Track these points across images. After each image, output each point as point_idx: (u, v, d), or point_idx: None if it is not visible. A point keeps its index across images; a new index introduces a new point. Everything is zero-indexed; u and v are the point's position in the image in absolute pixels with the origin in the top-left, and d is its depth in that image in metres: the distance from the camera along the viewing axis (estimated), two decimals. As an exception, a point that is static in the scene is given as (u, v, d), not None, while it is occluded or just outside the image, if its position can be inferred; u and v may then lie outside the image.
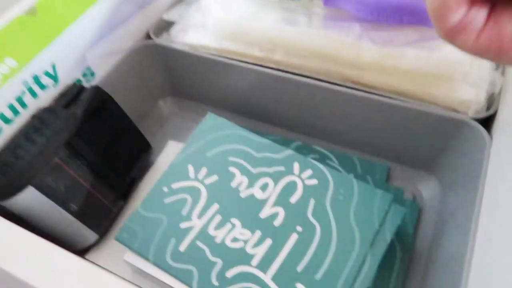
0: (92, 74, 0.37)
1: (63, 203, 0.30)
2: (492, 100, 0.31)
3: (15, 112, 0.31)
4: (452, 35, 0.17)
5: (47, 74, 0.33)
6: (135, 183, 0.38)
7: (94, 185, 0.33)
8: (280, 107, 0.39)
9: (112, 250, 0.35)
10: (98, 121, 0.34)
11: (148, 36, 0.41)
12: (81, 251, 0.34)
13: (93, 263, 0.21)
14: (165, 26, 0.42)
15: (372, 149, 0.38)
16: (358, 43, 0.35)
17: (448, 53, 0.32)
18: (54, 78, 0.33)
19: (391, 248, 0.30)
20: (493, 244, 0.23)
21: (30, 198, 0.29)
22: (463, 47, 0.17)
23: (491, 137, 0.30)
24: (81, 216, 0.32)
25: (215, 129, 0.34)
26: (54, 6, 0.32)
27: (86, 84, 0.37)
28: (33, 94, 0.32)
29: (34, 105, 0.32)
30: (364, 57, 0.34)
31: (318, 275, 0.27)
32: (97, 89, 0.34)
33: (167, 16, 0.41)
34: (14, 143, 0.31)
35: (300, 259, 0.28)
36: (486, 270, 0.23)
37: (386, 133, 0.36)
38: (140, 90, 0.43)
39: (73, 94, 0.33)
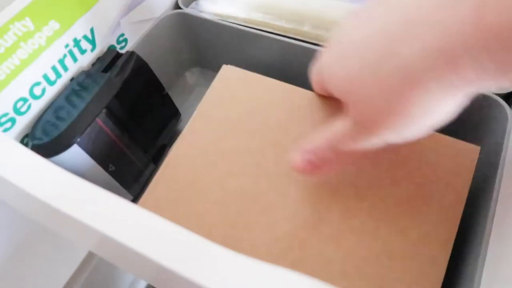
0: (125, 40, 0.38)
1: (103, 163, 0.32)
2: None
3: (58, 74, 0.32)
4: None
5: (86, 38, 0.34)
6: (165, 149, 0.40)
7: (130, 147, 0.35)
8: (307, 79, 0.40)
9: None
10: (133, 85, 0.35)
11: (177, 6, 0.42)
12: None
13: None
14: (194, -5, 0.43)
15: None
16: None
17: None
18: (92, 42, 0.35)
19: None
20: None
21: (74, 156, 0.30)
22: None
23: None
24: (118, 176, 0.34)
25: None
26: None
27: (120, 51, 0.38)
28: (74, 57, 0.33)
29: (74, 68, 0.34)
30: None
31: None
32: (132, 55, 0.36)
33: (197, -14, 0.42)
34: (56, 105, 0.32)
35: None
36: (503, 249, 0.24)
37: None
38: (169, 59, 0.44)
39: (110, 59, 0.35)
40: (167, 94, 0.40)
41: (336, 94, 0.24)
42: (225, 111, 0.32)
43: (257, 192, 0.28)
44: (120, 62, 0.35)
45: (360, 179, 0.28)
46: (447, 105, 0.20)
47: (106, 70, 0.35)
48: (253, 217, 0.28)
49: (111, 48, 0.37)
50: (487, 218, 0.27)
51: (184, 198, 0.29)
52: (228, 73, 0.34)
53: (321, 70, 0.27)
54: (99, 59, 0.36)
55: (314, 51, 0.37)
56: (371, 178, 0.28)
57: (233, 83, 0.34)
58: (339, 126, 0.24)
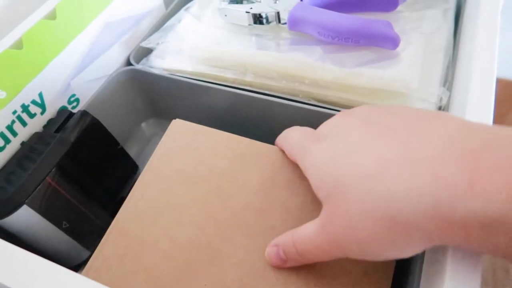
0: (77, 100, 0.40)
1: (56, 221, 0.33)
2: (440, 112, 0.35)
3: (7, 140, 0.33)
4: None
5: (34, 102, 0.35)
6: (123, 201, 0.41)
7: (85, 204, 0.36)
8: (253, 124, 0.42)
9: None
10: (87, 143, 0.36)
11: (128, 63, 0.44)
12: (74, 268, 0.37)
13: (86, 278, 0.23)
14: (144, 52, 0.45)
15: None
16: (321, 64, 0.38)
17: (400, 71, 0.36)
18: (42, 106, 0.36)
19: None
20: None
21: (25, 217, 0.31)
22: None
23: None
24: (73, 233, 0.35)
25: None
26: (40, 39, 0.35)
27: (72, 110, 0.39)
28: (23, 122, 0.34)
29: (24, 132, 0.35)
30: (327, 77, 0.37)
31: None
32: (84, 114, 0.37)
33: (146, 44, 0.44)
34: (6, 170, 0.33)
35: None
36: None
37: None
38: (123, 113, 0.46)
39: (62, 120, 0.36)
40: (122, 149, 0.41)
41: (314, 189, 0.24)
42: (173, 163, 0.34)
43: (204, 241, 0.29)
44: (72, 122, 0.36)
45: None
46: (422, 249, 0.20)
47: (58, 130, 0.36)
48: (201, 267, 0.28)
49: (65, 109, 0.38)
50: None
51: (132, 253, 0.29)
52: (176, 127, 0.36)
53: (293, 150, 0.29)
54: (50, 121, 0.37)
55: (258, 99, 0.39)
56: None
57: (181, 136, 0.35)
58: (309, 232, 0.24)
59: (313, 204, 0.30)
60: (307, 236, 0.24)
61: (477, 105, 0.26)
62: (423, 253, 0.27)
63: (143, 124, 0.49)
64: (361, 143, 0.21)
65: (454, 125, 0.19)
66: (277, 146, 0.33)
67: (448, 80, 0.36)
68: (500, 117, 1.15)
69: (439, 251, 0.21)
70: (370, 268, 0.27)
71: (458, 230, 0.17)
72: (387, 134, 0.20)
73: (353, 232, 0.20)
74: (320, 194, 0.23)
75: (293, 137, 0.30)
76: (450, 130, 0.18)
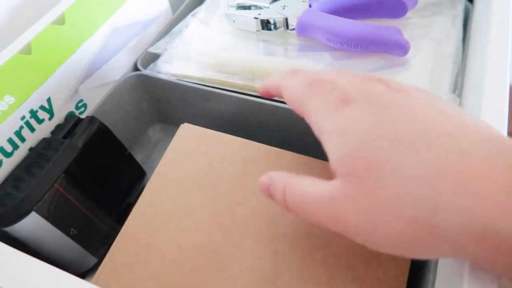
0: (85, 106, 0.40)
1: (63, 228, 0.33)
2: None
3: (15, 146, 0.33)
4: None
5: (42, 108, 0.35)
6: (130, 207, 0.41)
7: (93, 210, 0.36)
8: (260, 130, 0.41)
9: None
10: (95, 149, 0.36)
11: (136, 68, 0.44)
12: (81, 275, 0.37)
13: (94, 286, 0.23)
14: (151, 58, 0.45)
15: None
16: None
17: (409, 78, 0.36)
18: (50, 112, 0.36)
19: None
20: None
21: (33, 224, 0.31)
22: None
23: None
24: (80, 239, 0.34)
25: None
26: (49, 45, 0.35)
27: (79, 116, 0.39)
28: (31, 128, 0.34)
29: (32, 138, 0.35)
30: (336, 83, 0.37)
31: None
32: (92, 119, 0.37)
33: (153, 49, 0.44)
34: (15, 176, 0.33)
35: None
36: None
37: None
38: (131, 118, 0.45)
39: (70, 125, 0.36)
40: (129, 155, 0.41)
41: (332, 160, 0.21)
42: (182, 169, 0.33)
43: (213, 248, 0.29)
44: (80, 128, 0.36)
45: (315, 229, 0.29)
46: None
47: (66, 136, 0.36)
48: (210, 274, 0.28)
49: (73, 115, 0.38)
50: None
51: (141, 261, 0.29)
52: (185, 131, 0.36)
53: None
54: (58, 126, 0.37)
55: (265, 104, 0.39)
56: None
57: (189, 141, 0.35)
58: (306, 192, 0.22)
59: None
60: (301, 194, 0.22)
61: (491, 112, 0.26)
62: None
63: (150, 130, 0.48)
64: (409, 128, 0.18)
65: (503, 144, 0.18)
66: (265, 89, 0.29)
67: (457, 87, 0.36)
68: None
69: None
70: (382, 273, 0.27)
71: (501, 253, 0.16)
72: (440, 135, 0.18)
73: (373, 224, 0.19)
74: (340, 169, 0.20)
75: (297, 83, 0.25)
76: (500, 147, 0.17)
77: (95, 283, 0.28)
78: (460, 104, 0.35)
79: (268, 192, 0.25)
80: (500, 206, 0.16)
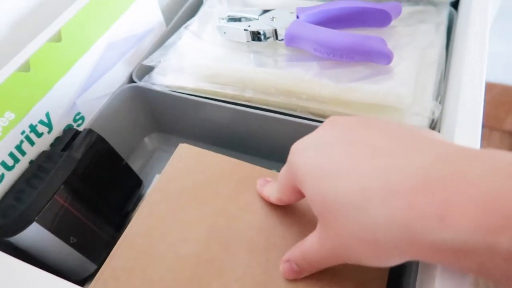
0: (82, 118, 0.41)
1: (64, 237, 0.34)
2: (433, 125, 0.36)
3: (16, 159, 0.35)
4: None
5: (41, 122, 0.36)
6: (128, 216, 0.42)
7: (92, 219, 0.37)
8: (252, 139, 0.43)
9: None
10: (93, 161, 0.38)
11: (131, 80, 0.46)
12: (81, 281, 0.38)
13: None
14: (146, 70, 0.46)
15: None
16: (318, 80, 0.39)
17: (394, 86, 0.37)
18: (49, 125, 0.37)
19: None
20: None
21: (34, 233, 0.32)
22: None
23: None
24: (80, 248, 0.36)
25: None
26: (46, 61, 0.36)
27: (77, 128, 0.40)
28: (31, 142, 0.36)
29: (32, 151, 0.36)
30: (324, 92, 0.39)
31: None
32: (89, 132, 0.38)
33: (148, 62, 0.45)
34: (16, 188, 0.34)
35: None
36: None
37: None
38: (127, 128, 0.47)
39: (68, 138, 0.37)
40: (126, 165, 0.42)
41: (313, 207, 0.25)
42: (181, 185, 0.35)
43: (209, 257, 0.31)
44: (78, 140, 0.38)
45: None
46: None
47: (65, 149, 0.37)
48: (206, 281, 0.30)
49: (68, 128, 0.40)
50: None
51: (140, 267, 0.31)
52: (183, 151, 0.37)
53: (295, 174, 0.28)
54: (57, 139, 0.38)
55: (257, 114, 0.40)
56: None
57: (187, 159, 0.37)
58: (311, 245, 0.26)
59: (309, 221, 0.31)
60: (311, 249, 0.26)
61: (466, 118, 0.27)
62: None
63: (146, 139, 0.50)
64: (345, 166, 0.22)
65: (434, 152, 0.20)
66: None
67: (440, 94, 0.37)
68: (499, 121, 1.16)
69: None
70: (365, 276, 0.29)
71: (433, 255, 0.19)
72: (371, 158, 0.21)
73: (345, 250, 0.23)
74: (313, 210, 0.25)
75: (269, 190, 0.32)
76: (430, 158, 0.20)
77: (94, 287, 0.30)
78: (442, 111, 0.36)
79: (294, 271, 0.28)
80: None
